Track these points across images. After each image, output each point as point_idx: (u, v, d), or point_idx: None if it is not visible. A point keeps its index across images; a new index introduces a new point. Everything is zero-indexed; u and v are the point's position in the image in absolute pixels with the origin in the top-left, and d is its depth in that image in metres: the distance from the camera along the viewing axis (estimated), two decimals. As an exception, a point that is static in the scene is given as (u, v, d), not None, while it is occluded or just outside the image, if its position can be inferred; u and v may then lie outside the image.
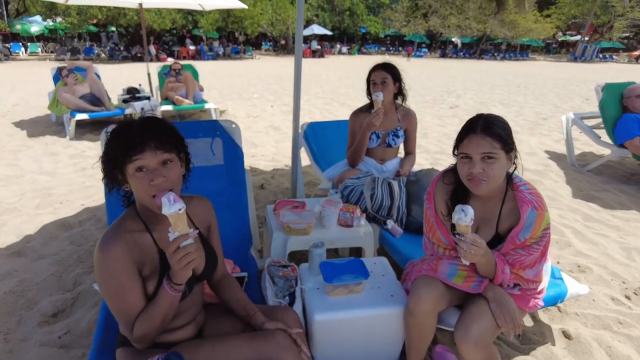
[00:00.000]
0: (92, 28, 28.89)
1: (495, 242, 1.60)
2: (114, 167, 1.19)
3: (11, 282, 2.41)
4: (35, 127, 6.11)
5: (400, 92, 2.74)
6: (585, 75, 18.76)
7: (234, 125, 2.30)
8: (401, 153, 2.98)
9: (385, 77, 2.63)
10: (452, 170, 1.65)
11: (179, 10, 24.41)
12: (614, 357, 1.94)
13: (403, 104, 2.82)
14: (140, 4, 6.33)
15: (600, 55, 34.93)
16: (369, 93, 2.75)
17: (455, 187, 1.62)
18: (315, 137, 3.48)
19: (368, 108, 2.76)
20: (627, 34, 40.65)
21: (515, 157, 1.51)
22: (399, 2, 40.14)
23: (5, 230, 3.01)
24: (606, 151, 4.73)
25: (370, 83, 2.69)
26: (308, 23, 35.30)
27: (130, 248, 1.20)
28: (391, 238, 2.26)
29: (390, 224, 2.31)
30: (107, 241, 1.18)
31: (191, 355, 1.24)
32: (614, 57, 36.23)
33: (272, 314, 1.49)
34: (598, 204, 3.68)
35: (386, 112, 2.77)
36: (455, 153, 1.54)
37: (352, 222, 2.16)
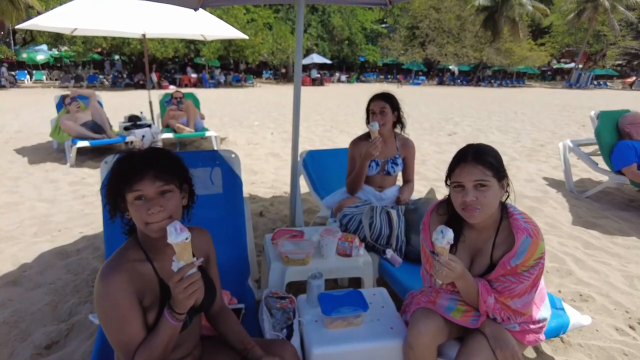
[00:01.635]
0: (97, 56, 29.50)
1: (489, 271, 1.59)
2: (116, 194, 1.21)
3: (5, 312, 2.37)
4: (36, 154, 6.15)
5: (399, 121, 2.79)
6: (580, 101, 19.02)
7: (233, 155, 2.32)
8: (399, 181, 2.99)
9: (383, 107, 2.68)
10: (446, 201, 1.66)
11: (182, 40, 24.96)
12: (620, 391, 1.89)
13: (402, 132, 2.86)
14: (144, 35, 6.48)
15: (595, 82, 35.58)
16: (368, 122, 2.80)
17: (449, 217, 1.62)
18: (314, 164, 3.51)
19: (367, 136, 2.79)
20: (620, 62, 41.53)
21: (508, 185, 1.52)
22: (396, 31, 41.16)
23: (1, 259, 2.99)
24: (604, 177, 4.75)
25: (370, 112, 2.74)
26: (308, 52, 36.07)
27: (132, 278, 1.20)
28: (390, 268, 2.25)
29: (390, 253, 2.29)
30: (108, 271, 1.18)
31: None
32: (607, 83, 36.90)
33: (269, 348, 1.47)
34: (598, 231, 3.67)
35: (385, 141, 2.81)
36: (448, 183, 1.55)
37: (350, 251, 2.15)
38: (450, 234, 1.36)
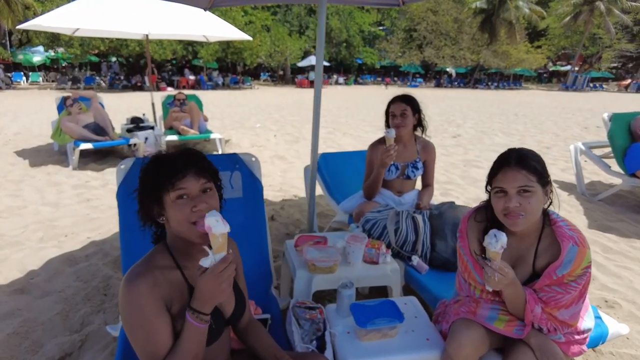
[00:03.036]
0: (94, 58, 29.31)
1: (532, 280, 1.52)
2: (152, 197, 1.16)
3: (15, 322, 2.28)
4: (37, 157, 6.04)
5: (420, 124, 2.72)
6: (578, 104, 19.08)
7: (253, 159, 2.24)
8: (418, 185, 2.92)
9: (404, 109, 2.61)
10: (484, 207, 1.59)
11: (180, 41, 24.87)
12: (658, 402, 1.83)
13: (423, 135, 2.79)
14: (147, 35, 6.40)
15: (591, 85, 35.78)
16: (387, 124, 2.73)
17: (488, 224, 1.56)
18: (327, 168, 3.43)
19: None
20: (616, 64, 41.82)
21: (551, 191, 1.45)
22: (394, 34, 41.24)
23: (7, 265, 2.89)
24: (615, 180, 4.71)
25: (390, 115, 2.67)
26: (306, 54, 36.06)
27: (159, 284, 1.14)
28: (418, 275, 2.17)
29: (416, 260, 2.22)
30: (134, 277, 1.12)
31: None
32: (603, 86, 37.14)
33: (302, 361, 1.40)
34: (615, 234, 3.62)
35: (405, 144, 2.75)
36: (488, 189, 1.49)
37: (377, 258, 2.07)
38: (504, 239, 1.30)
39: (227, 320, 1.30)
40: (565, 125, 10.89)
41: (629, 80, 35.75)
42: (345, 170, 3.44)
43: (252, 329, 1.46)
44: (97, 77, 26.55)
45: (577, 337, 1.54)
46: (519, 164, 1.39)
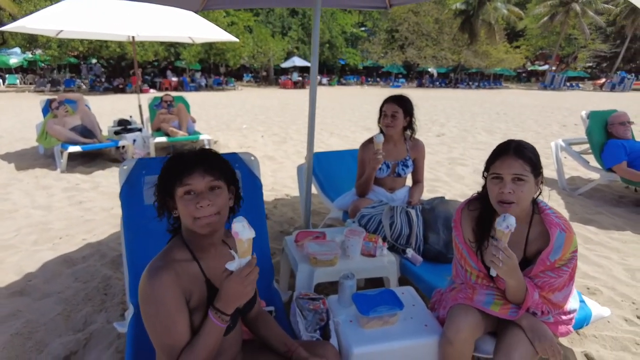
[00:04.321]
0: (73, 60, 28.75)
1: (524, 266, 1.63)
2: (165, 191, 1.23)
3: (17, 323, 2.29)
4: (23, 160, 5.95)
5: (410, 126, 2.82)
6: (557, 102, 19.61)
7: (252, 158, 2.31)
8: (408, 182, 3.03)
9: (395, 111, 2.71)
10: (477, 198, 1.70)
11: (162, 43, 24.61)
12: (638, 379, 1.97)
13: (412, 138, 2.89)
14: (133, 37, 6.37)
15: (568, 84, 36.74)
16: (379, 122, 2.82)
17: (481, 212, 1.66)
18: (320, 167, 3.51)
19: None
20: (591, 64, 43.07)
21: (542, 182, 1.57)
22: (376, 34, 41.59)
23: (3, 268, 2.88)
24: (593, 175, 4.92)
25: (382, 114, 2.76)
26: (289, 55, 36.07)
27: (180, 277, 1.19)
28: (412, 267, 2.27)
29: (410, 252, 2.32)
30: (155, 270, 1.17)
31: None
32: (580, 85, 38.14)
33: (312, 349, 1.47)
34: (595, 226, 3.80)
35: (395, 143, 2.85)
36: (485, 175, 1.59)
37: (375, 251, 2.16)
38: (511, 220, 1.39)
39: (240, 311, 1.35)
40: (546, 123, 11.21)
41: (603, 80, 36.78)
42: (338, 169, 3.53)
43: (262, 320, 1.52)
44: (77, 80, 26.05)
45: (564, 317, 1.66)
46: (516, 153, 1.50)
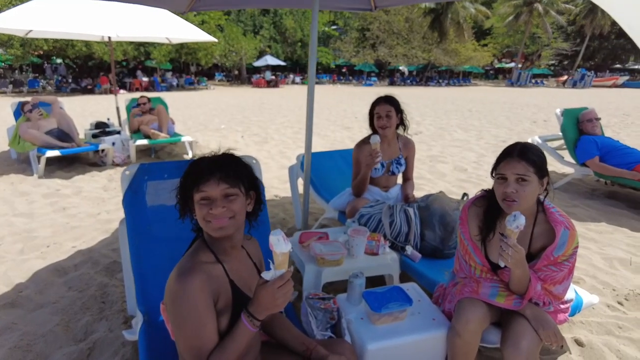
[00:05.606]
0: (36, 60, 27.57)
1: (527, 261, 1.72)
2: (185, 195, 1.28)
3: (13, 336, 2.22)
4: (-6, 166, 5.71)
5: (402, 123, 2.90)
6: (525, 99, 20.32)
7: (254, 161, 2.33)
8: (399, 180, 3.12)
9: (389, 110, 2.78)
10: (483, 196, 1.80)
11: (130, 42, 23.95)
12: (624, 359, 2.11)
13: (405, 133, 2.98)
14: (110, 37, 6.21)
15: (533, 81, 38.11)
16: (371, 125, 2.89)
17: (486, 209, 1.76)
18: (312, 167, 3.53)
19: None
20: (553, 62, 44.86)
21: (548, 183, 1.66)
22: (347, 33, 41.82)
23: (-10, 280, 2.78)
24: (568, 170, 5.17)
25: (375, 116, 2.82)
26: (261, 54, 35.83)
27: (209, 278, 1.22)
28: (413, 263, 2.35)
29: (410, 249, 2.40)
30: (185, 272, 1.19)
31: None
32: (544, 82, 39.62)
33: (329, 347, 1.51)
34: (572, 218, 3.96)
35: (389, 142, 2.92)
36: (493, 175, 1.69)
37: (377, 250, 2.23)
38: (521, 220, 1.48)
39: None
40: (517, 120, 11.62)
41: (565, 77, 38.39)
42: (330, 169, 3.58)
43: (278, 321, 1.55)
44: (42, 80, 25.01)
45: (562, 306, 1.78)
46: (520, 155, 1.60)
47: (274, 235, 1.14)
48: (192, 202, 1.27)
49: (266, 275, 1.17)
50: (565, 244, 1.62)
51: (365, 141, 2.90)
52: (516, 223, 1.48)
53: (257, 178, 1.38)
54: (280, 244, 1.13)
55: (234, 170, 1.27)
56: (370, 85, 37.57)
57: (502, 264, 1.58)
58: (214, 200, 1.22)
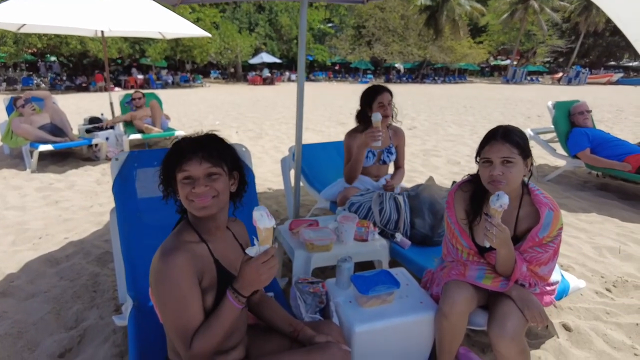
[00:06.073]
0: (30, 57, 27.41)
1: (513, 243, 1.74)
2: (168, 175, 1.27)
3: (3, 324, 2.23)
4: (-14, 162, 5.69)
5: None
6: (519, 95, 20.41)
7: (244, 149, 2.34)
8: (390, 169, 3.13)
9: (390, 99, 2.80)
10: (469, 180, 1.81)
11: (126, 39, 23.85)
12: (610, 343, 2.14)
13: (394, 122, 2.99)
14: (102, 32, 6.19)
15: (528, 78, 38.24)
16: (364, 115, 2.88)
17: (472, 193, 1.77)
18: (305, 159, 3.54)
19: (363, 129, 2.88)
20: (549, 59, 45.01)
21: (531, 164, 1.68)
22: (343, 30, 41.79)
23: (-19, 271, 2.78)
24: (560, 162, 5.20)
25: (378, 105, 2.79)
26: (257, 51, 35.75)
27: (192, 257, 1.22)
28: (402, 250, 2.37)
29: (399, 236, 2.42)
30: (169, 251, 1.20)
31: None
32: (539, 79, 39.76)
33: (317, 329, 1.53)
34: (564, 209, 4.03)
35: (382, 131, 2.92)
36: (477, 160, 1.70)
37: (367, 236, 2.24)
38: (505, 199, 1.49)
39: None
40: (511, 116, 11.68)
41: (560, 74, 38.51)
42: (322, 161, 3.60)
43: (266, 303, 1.56)
44: (36, 78, 24.87)
45: (548, 288, 1.80)
46: (503, 138, 1.61)
47: (257, 211, 1.14)
48: (175, 183, 1.27)
49: (250, 251, 1.17)
50: (550, 225, 1.64)
51: (356, 130, 2.92)
52: (499, 202, 1.49)
53: (240, 159, 1.38)
54: (263, 220, 1.13)
55: (217, 150, 1.27)
56: (366, 82, 37.51)
57: (487, 244, 1.59)
58: (197, 179, 1.22)
